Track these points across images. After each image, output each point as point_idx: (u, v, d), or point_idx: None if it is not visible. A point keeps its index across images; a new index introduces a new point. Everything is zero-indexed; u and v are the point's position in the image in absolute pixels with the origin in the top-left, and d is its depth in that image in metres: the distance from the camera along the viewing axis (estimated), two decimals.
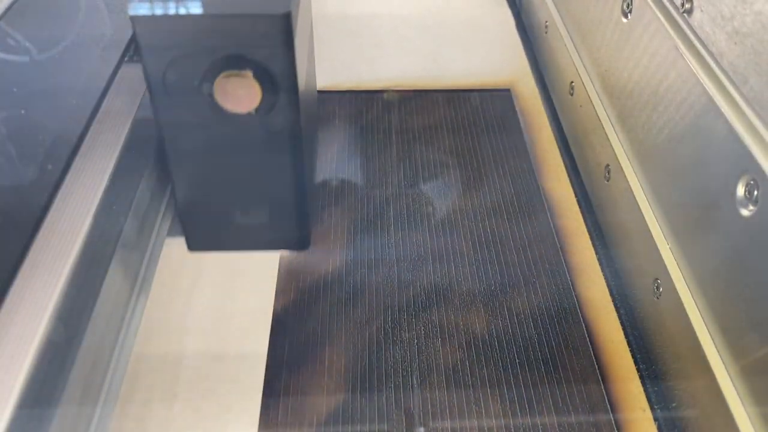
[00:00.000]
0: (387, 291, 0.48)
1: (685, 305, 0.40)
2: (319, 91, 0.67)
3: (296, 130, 0.42)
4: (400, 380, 0.43)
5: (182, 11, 0.37)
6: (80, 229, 0.37)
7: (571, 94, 0.62)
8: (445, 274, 0.50)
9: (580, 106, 0.59)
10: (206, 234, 0.48)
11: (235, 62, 0.39)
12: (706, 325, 0.39)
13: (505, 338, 0.46)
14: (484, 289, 0.49)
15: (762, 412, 0.34)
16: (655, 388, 0.43)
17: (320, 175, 0.58)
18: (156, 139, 0.47)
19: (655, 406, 0.43)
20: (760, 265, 0.34)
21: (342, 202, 0.56)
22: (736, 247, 0.36)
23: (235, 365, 0.44)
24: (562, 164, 0.61)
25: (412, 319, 0.47)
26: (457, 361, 0.44)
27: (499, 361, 0.44)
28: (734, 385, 0.36)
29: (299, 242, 0.49)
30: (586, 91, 0.58)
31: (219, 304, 0.48)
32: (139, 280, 0.46)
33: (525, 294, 0.49)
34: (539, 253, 0.52)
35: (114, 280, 0.41)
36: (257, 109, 0.40)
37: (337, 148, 0.61)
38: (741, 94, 0.36)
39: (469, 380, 0.43)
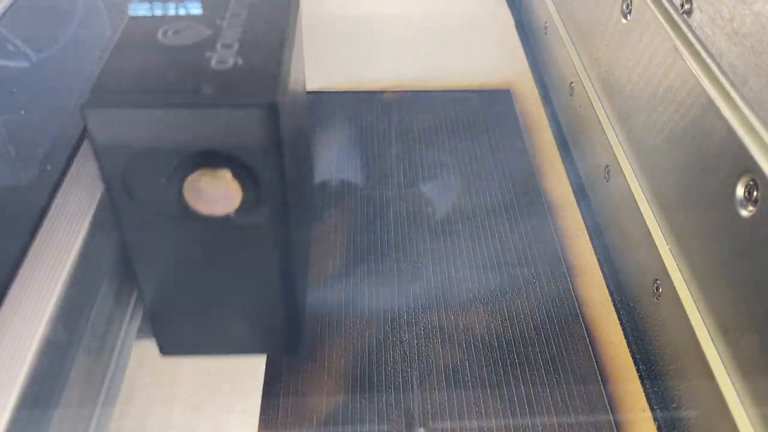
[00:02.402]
0: (387, 291, 0.48)
1: (685, 306, 0.40)
2: (318, 92, 0.67)
3: (283, 232, 0.35)
4: (400, 381, 0.43)
5: (146, 103, 0.30)
6: (80, 229, 0.37)
7: (571, 95, 0.62)
8: (445, 274, 0.50)
9: (580, 106, 0.59)
10: (178, 339, 0.42)
11: (208, 159, 0.31)
12: (705, 325, 0.39)
13: (504, 339, 0.46)
14: (483, 289, 0.49)
15: (762, 412, 0.34)
16: (655, 389, 0.44)
17: (320, 176, 0.58)
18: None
19: (655, 407, 0.43)
20: (760, 265, 0.34)
21: (341, 203, 0.56)
22: (735, 248, 0.36)
23: (235, 365, 0.44)
24: (561, 165, 0.61)
25: (411, 319, 0.47)
26: (456, 362, 0.44)
27: (499, 361, 0.44)
28: (734, 386, 0.36)
29: (289, 347, 0.42)
30: (586, 91, 0.58)
31: None
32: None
33: (524, 294, 0.49)
34: (539, 254, 0.52)
35: (112, 278, 0.41)
36: (236, 212, 0.33)
37: (336, 149, 0.61)
38: (741, 94, 0.36)
39: (468, 380, 0.43)
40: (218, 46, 0.33)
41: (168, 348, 0.41)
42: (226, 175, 0.32)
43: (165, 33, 0.34)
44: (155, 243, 0.36)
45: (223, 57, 0.33)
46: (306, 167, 0.49)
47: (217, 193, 0.32)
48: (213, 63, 0.32)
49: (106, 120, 0.30)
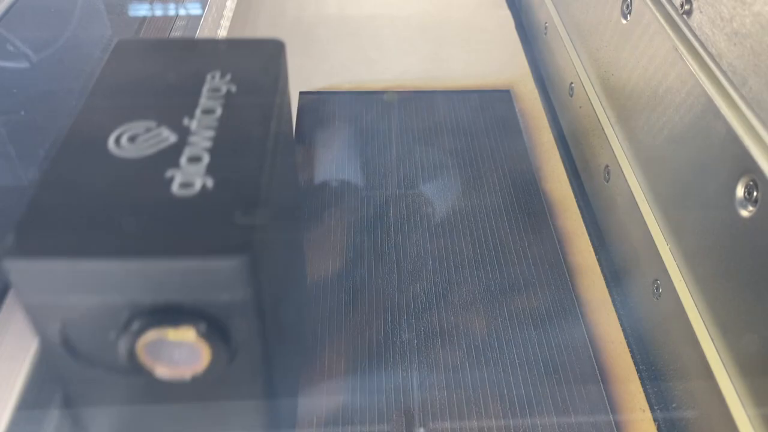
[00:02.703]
0: (387, 291, 0.49)
1: (685, 306, 0.40)
2: (318, 92, 0.67)
3: (264, 388, 0.28)
4: (400, 381, 0.43)
5: (84, 251, 0.23)
6: None
7: (571, 95, 0.62)
8: (445, 274, 0.50)
9: (580, 107, 0.60)
10: None
11: (168, 315, 0.25)
12: (705, 325, 0.39)
13: (504, 339, 0.46)
14: (483, 289, 0.49)
15: (762, 413, 0.34)
16: (655, 389, 0.44)
17: (320, 176, 0.58)
18: None
19: (655, 407, 0.43)
20: (760, 265, 0.34)
21: (341, 203, 0.56)
22: (735, 248, 0.36)
23: None
24: (561, 165, 0.61)
25: (411, 319, 0.47)
26: (456, 362, 0.44)
27: (499, 361, 0.44)
28: (734, 386, 0.36)
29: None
30: (586, 92, 0.58)
31: None
32: None
33: (524, 294, 0.49)
34: (539, 254, 0.52)
35: None
36: (204, 372, 0.26)
37: (336, 149, 0.61)
38: (740, 95, 0.36)
39: (468, 381, 0.43)
40: (183, 159, 0.26)
41: None
42: (191, 333, 0.25)
43: (118, 140, 0.27)
44: (101, 399, 0.29)
45: (189, 177, 0.26)
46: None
47: (178, 355, 0.26)
48: (175, 187, 0.25)
49: (34, 273, 0.23)
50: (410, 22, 0.81)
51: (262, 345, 0.27)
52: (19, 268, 0.23)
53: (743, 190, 0.35)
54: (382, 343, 0.45)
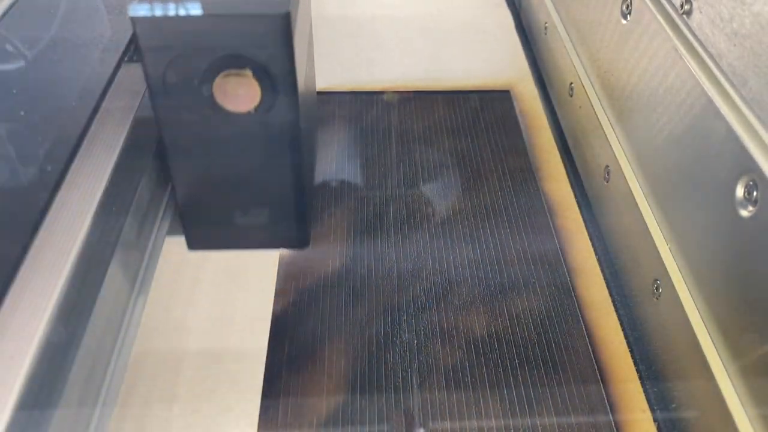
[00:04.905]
0: (387, 291, 0.48)
1: (685, 306, 0.40)
2: (318, 92, 0.67)
3: (295, 130, 0.42)
4: (400, 381, 0.43)
5: (182, 12, 0.37)
6: (80, 229, 0.37)
7: (571, 95, 0.62)
8: (445, 274, 0.50)
9: (580, 107, 0.60)
10: (206, 233, 0.48)
11: (234, 62, 0.39)
12: (705, 325, 0.39)
13: (504, 339, 0.46)
14: (483, 289, 0.49)
15: (762, 413, 0.34)
16: (655, 389, 0.44)
17: (320, 176, 0.58)
18: (156, 139, 0.47)
19: (655, 407, 0.43)
20: (760, 265, 0.34)
21: (342, 203, 0.56)
22: (735, 248, 0.36)
23: (234, 365, 0.44)
24: (561, 165, 0.61)
25: (411, 319, 0.47)
26: (456, 362, 0.44)
27: (499, 361, 0.44)
28: (734, 386, 0.36)
29: (299, 241, 0.49)
30: (586, 92, 0.58)
31: (219, 304, 0.48)
32: (138, 280, 0.46)
33: (524, 295, 0.49)
34: (539, 254, 0.52)
35: (113, 280, 0.41)
36: (257, 109, 0.40)
37: (336, 149, 0.61)
38: (740, 95, 0.36)
39: (468, 381, 0.43)
40: None
41: (195, 243, 0.48)
42: (248, 75, 0.39)
43: None
44: (188, 139, 0.42)
45: None
46: (312, 110, 0.55)
47: (240, 92, 0.39)
48: None
49: (150, 25, 0.37)
50: (410, 22, 0.81)
51: (293, 90, 0.40)
52: (141, 23, 0.37)
53: (743, 190, 0.35)
54: (382, 343, 0.45)
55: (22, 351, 0.31)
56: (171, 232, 0.50)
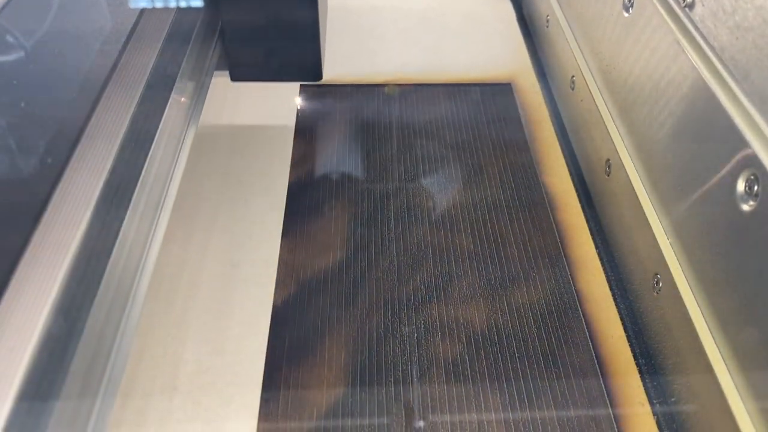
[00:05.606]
0: (387, 285, 0.49)
1: (685, 300, 0.40)
2: (319, 85, 0.67)
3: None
4: (400, 374, 0.43)
5: None
6: (80, 222, 0.37)
7: (572, 89, 0.62)
8: (445, 268, 0.50)
9: (581, 100, 0.59)
10: (245, 66, 0.58)
11: None
12: (705, 320, 0.39)
13: (504, 332, 0.46)
14: (484, 283, 0.49)
15: (761, 407, 0.34)
16: (655, 383, 0.44)
17: (321, 169, 0.58)
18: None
19: (654, 401, 0.43)
20: (760, 260, 0.34)
21: (341, 198, 0.56)
22: (736, 242, 0.36)
23: (234, 358, 0.44)
24: (562, 158, 0.61)
25: (412, 313, 0.47)
26: (456, 355, 0.44)
27: (499, 355, 0.44)
28: (733, 380, 0.36)
29: (314, 73, 0.59)
30: (587, 85, 0.58)
31: (219, 297, 0.48)
32: (138, 274, 0.46)
33: (525, 288, 0.49)
34: (539, 248, 0.52)
35: (114, 272, 0.41)
36: None
37: (337, 141, 0.61)
38: (742, 89, 0.36)
39: (468, 374, 0.43)
40: None
41: (237, 75, 0.58)
42: None
43: None
44: None
45: None
46: None
47: None
48: None
49: None
50: (411, 14, 0.81)
51: None
52: None
53: (744, 184, 0.35)
54: (382, 336, 0.45)
55: (23, 343, 0.31)
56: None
